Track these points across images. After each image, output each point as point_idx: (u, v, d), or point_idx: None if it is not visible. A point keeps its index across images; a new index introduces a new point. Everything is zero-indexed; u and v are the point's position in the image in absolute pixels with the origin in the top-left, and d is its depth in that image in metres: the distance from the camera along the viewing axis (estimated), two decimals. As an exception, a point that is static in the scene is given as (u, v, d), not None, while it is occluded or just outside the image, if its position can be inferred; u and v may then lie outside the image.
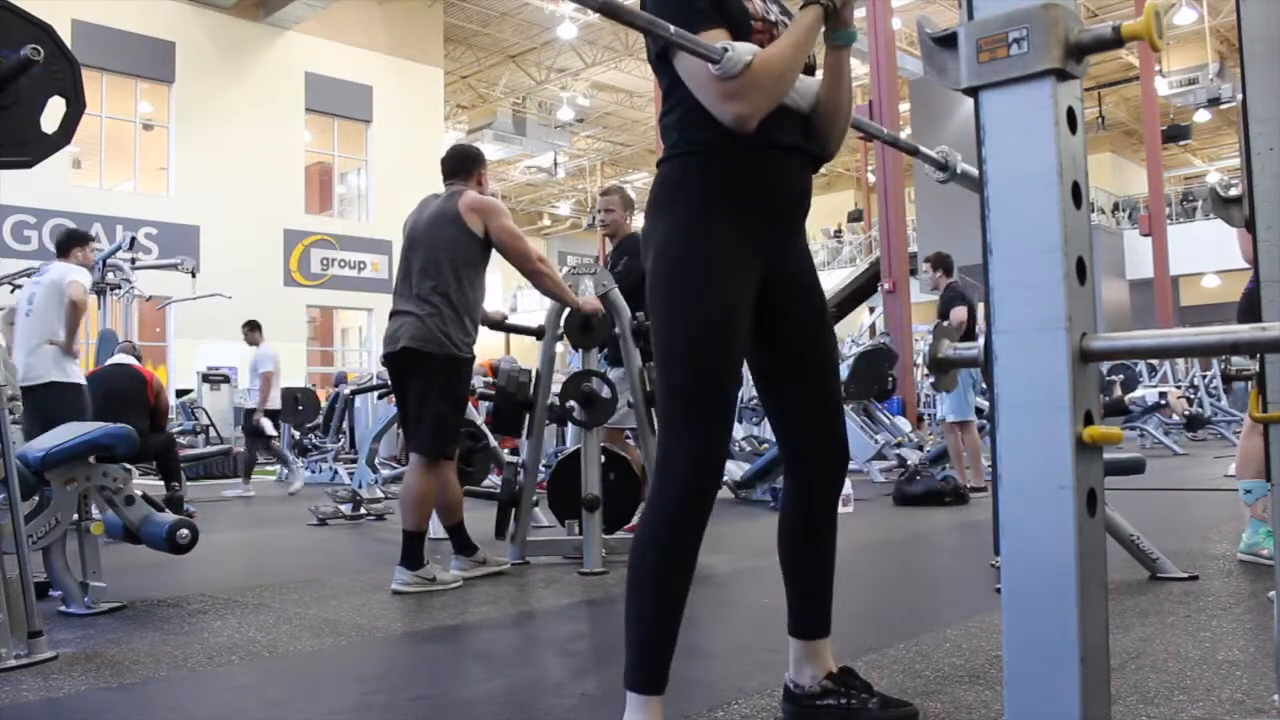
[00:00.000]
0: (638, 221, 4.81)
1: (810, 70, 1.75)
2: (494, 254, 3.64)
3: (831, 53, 1.72)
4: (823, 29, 1.66)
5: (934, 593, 3.41)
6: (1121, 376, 12.01)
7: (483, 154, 3.90)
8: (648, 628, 1.60)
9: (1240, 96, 1.39)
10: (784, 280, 1.75)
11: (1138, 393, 11.25)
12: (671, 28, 1.45)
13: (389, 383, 3.89)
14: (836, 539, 1.85)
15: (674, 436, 1.60)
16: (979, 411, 8.78)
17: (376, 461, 6.98)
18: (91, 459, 3.17)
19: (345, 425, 10.06)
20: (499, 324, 4.33)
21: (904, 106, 19.01)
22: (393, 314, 3.59)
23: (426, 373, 3.47)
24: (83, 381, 5.15)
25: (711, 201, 1.65)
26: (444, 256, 3.52)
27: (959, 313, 6.37)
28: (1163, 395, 10.73)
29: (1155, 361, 12.88)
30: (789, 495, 1.86)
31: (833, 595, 1.85)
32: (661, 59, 1.67)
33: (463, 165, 3.73)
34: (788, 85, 1.63)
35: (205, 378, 13.16)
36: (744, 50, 1.51)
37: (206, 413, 10.92)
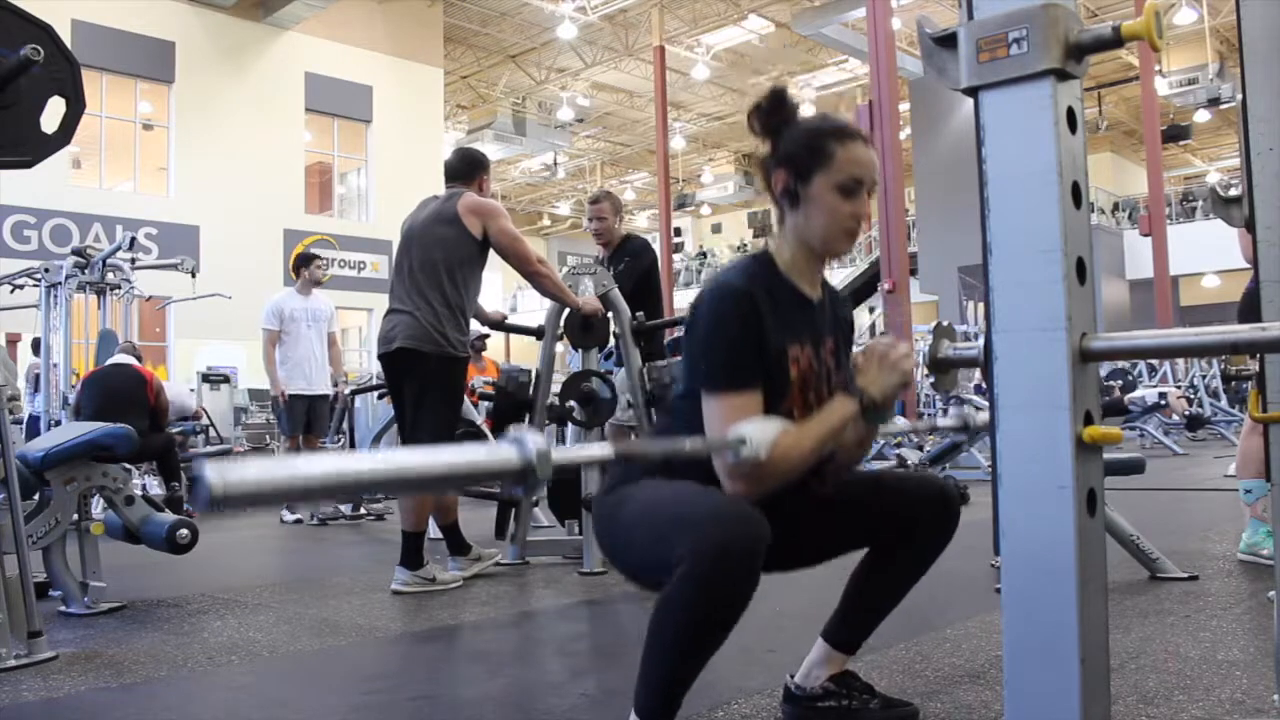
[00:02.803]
0: (630, 224, 4.80)
1: None
2: (493, 255, 3.64)
3: (862, 424, 1.62)
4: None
5: (934, 593, 3.40)
6: (1120, 382, 11.98)
7: (487, 159, 3.89)
8: (668, 681, 1.51)
9: (1240, 96, 1.39)
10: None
11: (1138, 393, 11.24)
12: (687, 444, 1.45)
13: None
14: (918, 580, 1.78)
15: (679, 534, 1.43)
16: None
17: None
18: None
19: (345, 425, 10.03)
20: (499, 324, 4.33)
21: (904, 106, 19.01)
22: (388, 313, 3.58)
23: (422, 373, 3.47)
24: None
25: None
26: (439, 256, 3.52)
27: None
28: (1163, 395, 10.71)
29: (1155, 361, 12.87)
30: (902, 531, 1.75)
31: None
32: (689, 382, 1.61)
33: (466, 169, 3.73)
34: (801, 471, 1.55)
35: (205, 378, 13.13)
36: (762, 442, 1.40)
37: (206, 413, 10.89)
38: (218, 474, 0.85)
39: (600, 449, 1.33)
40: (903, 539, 1.74)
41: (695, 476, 1.56)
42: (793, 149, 1.61)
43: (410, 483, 1.01)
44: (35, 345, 9.64)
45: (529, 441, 1.06)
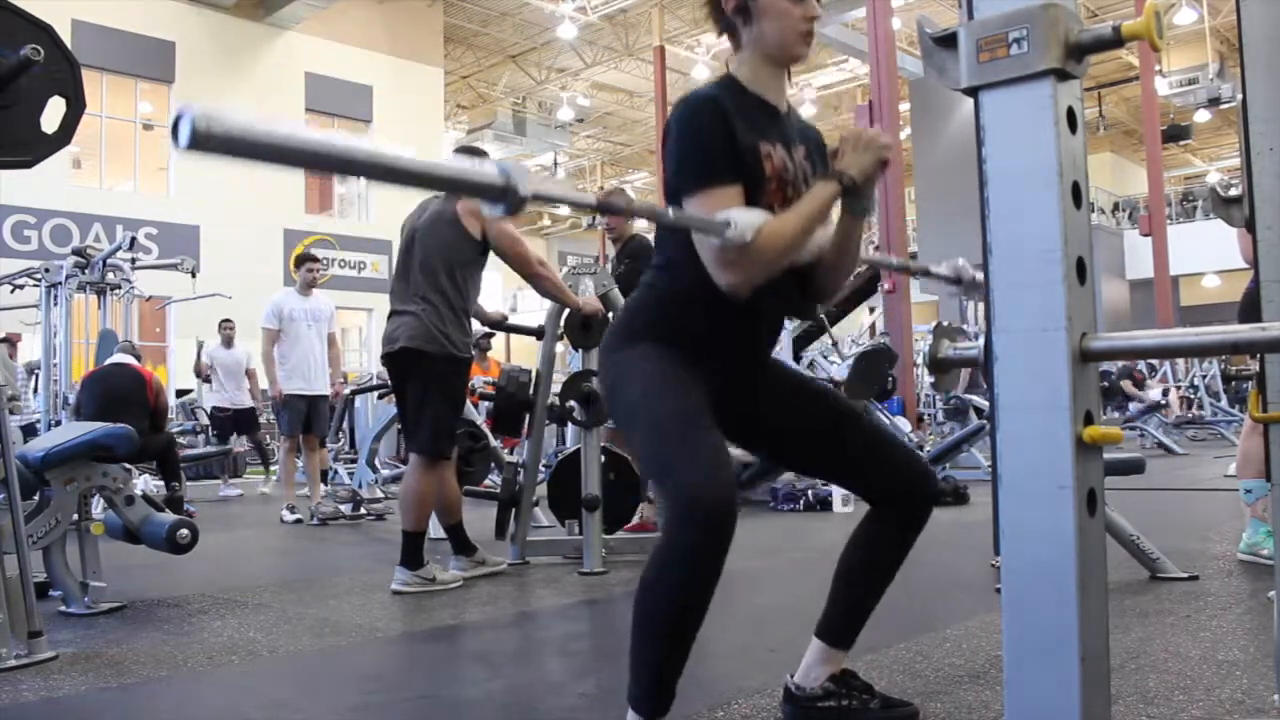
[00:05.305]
0: (639, 224, 4.82)
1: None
2: (492, 255, 3.65)
3: (846, 218, 1.67)
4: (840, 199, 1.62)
5: (934, 593, 3.41)
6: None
7: (488, 157, 3.90)
8: (657, 665, 1.53)
9: (1240, 96, 1.39)
10: (756, 388, 1.75)
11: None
12: (670, 212, 1.44)
13: (389, 383, 3.89)
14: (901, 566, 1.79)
15: (667, 476, 1.51)
16: (978, 411, 8.78)
17: (376, 461, 6.98)
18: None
19: (345, 425, 10.04)
20: (499, 324, 4.33)
21: (904, 106, 19.01)
22: (391, 314, 3.59)
23: (425, 372, 3.47)
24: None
25: (677, 349, 1.64)
26: (440, 257, 3.52)
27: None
28: (1165, 393, 10.71)
29: (1155, 361, 12.87)
30: (876, 513, 1.79)
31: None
32: (674, 196, 1.64)
33: None
34: (790, 259, 1.58)
35: (206, 378, 13.13)
36: (747, 225, 1.44)
37: (207, 413, 10.91)
38: (203, 114, 0.82)
39: (581, 196, 1.31)
40: (882, 502, 1.76)
41: (693, 339, 1.64)
42: None
43: (389, 172, 1.01)
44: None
45: (511, 165, 1.09)
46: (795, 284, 1.72)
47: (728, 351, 1.70)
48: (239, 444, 9.78)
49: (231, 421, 8.85)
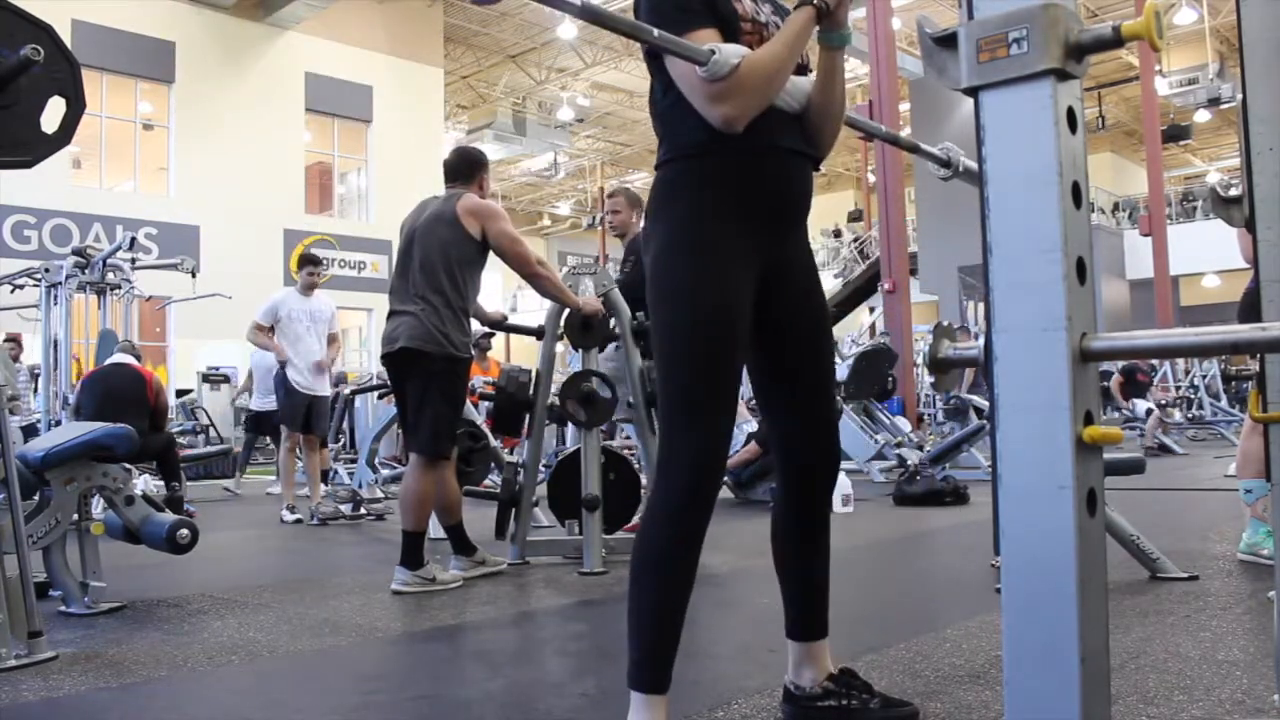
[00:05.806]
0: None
1: (803, 70, 1.74)
2: (493, 255, 3.65)
3: (825, 54, 1.70)
4: (816, 30, 1.65)
5: (934, 593, 3.41)
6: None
7: (486, 158, 3.90)
8: (651, 626, 1.60)
9: (1240, 96, 1.39)
10: (784, 283, 1.75)
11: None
12: (656, 31, 1.43)
13: (389, 383, 3.90)
14: (830, 538, 1.84)
15: (675, 433, 1.61)
16: (978, 411, 8.78)
17: (376, 461, 6.98)
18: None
19: (345, 425, 10.04)
20: (499, 324, 4.33)
21: (904, 106, 19.02)
22: (390, 314, 3.59)
23: (425, 373, 3.47)
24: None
25: (709, 204, 1.65)
26: (440, 257, 3.52)
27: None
28: (1148, 411, 10.72)
29: (1156, 361, 12.87)
30: (782, 496, 1.86)
31: (829, 595, 1.85)
32: (654, 56, 1.67)
33: (465, 169, 3.73)
34: (777, 87, 1.62)
35: (205, 378, 13.17)
36: (731, 52, 1.49)
37: (206, 413, 10.92)
38: None
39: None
40: (798, 457, 1.82)
41: (722, 199, 1.64)
42: None
43: None
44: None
45: None
46: (794, 124, 1.72)
47: (765, 197, 1.68)
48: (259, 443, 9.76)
49: (255, 420, 8.84)
